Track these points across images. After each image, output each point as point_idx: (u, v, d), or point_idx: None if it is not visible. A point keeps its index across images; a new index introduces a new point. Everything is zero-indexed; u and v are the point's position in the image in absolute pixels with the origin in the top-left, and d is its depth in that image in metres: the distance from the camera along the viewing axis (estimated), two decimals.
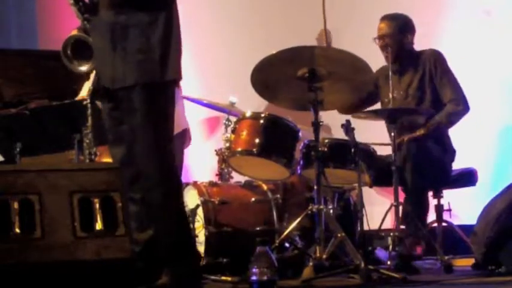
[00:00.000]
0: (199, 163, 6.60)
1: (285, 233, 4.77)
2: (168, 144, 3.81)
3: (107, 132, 3.90)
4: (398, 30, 5.65)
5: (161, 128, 3.79)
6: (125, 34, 3.75)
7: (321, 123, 4.69)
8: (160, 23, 3.77)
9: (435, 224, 5.73)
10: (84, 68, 3.88)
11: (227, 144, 5.27)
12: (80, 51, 3.86)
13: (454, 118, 5.57)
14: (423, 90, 5.57)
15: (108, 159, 5.09)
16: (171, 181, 3.82)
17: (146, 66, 3.74)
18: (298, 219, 4.73)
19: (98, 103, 4.09)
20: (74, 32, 3.94)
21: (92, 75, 3.94)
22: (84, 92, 4.61)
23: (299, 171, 5.07)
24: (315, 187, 4.63)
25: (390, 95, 5.25)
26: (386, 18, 5.73)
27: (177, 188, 3.88)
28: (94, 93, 3.92)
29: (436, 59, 5.63)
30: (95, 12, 3.82)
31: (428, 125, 5.49)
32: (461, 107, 5.58)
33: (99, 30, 3.81)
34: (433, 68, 5.61)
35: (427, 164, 5.33)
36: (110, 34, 3.76)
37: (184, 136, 5.83)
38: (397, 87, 5.58)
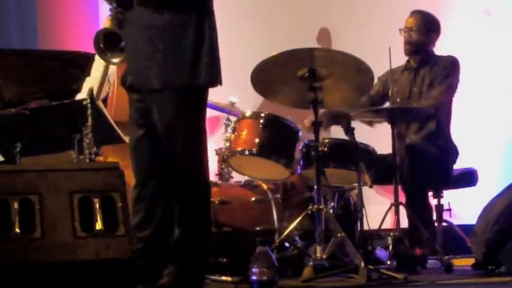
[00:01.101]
0: None
1: (285, 233, 4.77)
2: (199, 147, 3.77)
3: (130, 116, 3.88)
4: (425, 27, 5.68)
5: (190, 133, 3.75)
6: (156, 34, 3.69)
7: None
8: (192, 26, 3.70)
9: (435, 224, 5.73)
10: (117, 60, 3.87)
11: (227, 144, 5.27)
12: (112, 43, 3.83)
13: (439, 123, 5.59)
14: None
15: (112, 159, 5.10)
16: (203, 183, 3.82)
17: (174, 70, 3.69)
18: (298, 219, 4.73)
19: (99, 103, 4.09)
20: (107, 24, 3.91)
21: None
22: (84, 93, 4.60)
23: (299, 171, 5.08)
24: (315, 187, 4.63)
25: (390, 93, 5.27)
26: (417, 12, 5.79)
27: (207, 190, 3.87)
28: (122, 81, 3.90)
29: (452, 66, 5.66)
30: (128, 7, 3.79)
31: (424, 134, 5.53)
32: (432, 106, 5.56)
33: (132, 26, 3.76)
34: (443, 71, 5.63)
35: (424, 166, 5.33)
36: (141, 32, 3.72)
37: None
38: (411, 82, 5.61)
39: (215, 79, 3.79)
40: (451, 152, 5.60)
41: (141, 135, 3.84)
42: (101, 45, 3.84)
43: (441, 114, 5.59)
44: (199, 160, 3.78)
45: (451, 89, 5.63)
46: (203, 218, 3.83)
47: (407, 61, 5.76)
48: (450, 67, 5.65)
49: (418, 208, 5.22)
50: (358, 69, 4.69)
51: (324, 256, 4.48)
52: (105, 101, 5.26)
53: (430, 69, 5.68)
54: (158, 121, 3.76)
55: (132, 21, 3.76)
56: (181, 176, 3.75)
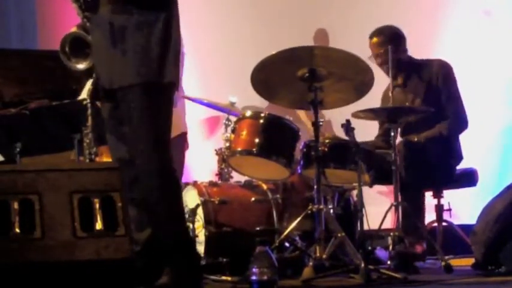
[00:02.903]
0: (199, 163, 6.61)
1: (285, 233, 4.77)
2: (165, 145, 3.80)
3: (108, 131, 3.90)
4: (387, 44, 5.58)
5: (159, 129, 3.77)
6: (123, 34, 3.73)
7: (321, 122, 4.71)
8: (160, 24, 3.75)
9: (435, 224, 5.74)
10: (81, 65, 3.87)
11: (227, 144, 5.27)
12: (78, 48, 3.85)
13: (454, 133, 5.60)
14: (428, 103, 5.54)
15: (108, 159, 5.10)
16: (170, 182, 3.82)
17: (143, 67, 3.72)
18: (298, 219, 4.73)
19: (98, 103, 4.08)
20: (73, 29, 3.93)
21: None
22: (84, 93, 4.61)
23: (299, 171, 5.07)
24: (315, 187, 4.62)
25: (390, 94, 5.26)
26: (375, 34, 5.71)
27: (175, 188, 3.87)
28: (93, 93, 3.92)
29: (445, 73, 5.64)
30: (95, 10, 3.81)
31: (428, 133, 5.52)
32: (463, 124, 5.64)
33: (98, 28, 3.80)
34: (442, 82, 5.62)
35: (422, 165, 5.33)
36: (109, 33, 3.75)
37: (184, 139, 5.83)
38: (402, 99, 5.61)
39: (177, 78, 3.86)
40: (454, 155, 5.60)
41: (122, 155, 3.83)
42: (67, 49, 3.85)
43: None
44: (166, 156, 3.77)
45: (459, 98, 5.63)
46: (173, 218, 3.81)
47: (394, 78, 5.69)
48: (447, 78, 5.62)
49: (411, 205, 5.22)
50: (357, 67, 4.69)
51: (324, 256, 4.48)
52: None
53: (419, 79, 5.65)
54: (126, 117, 3.77)
55: (100, 23, 3.79)
56: (148, 173, 3.75)
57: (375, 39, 5.70)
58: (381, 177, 5.09)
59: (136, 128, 3.74)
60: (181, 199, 3.91)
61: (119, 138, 3.85)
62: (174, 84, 3.86)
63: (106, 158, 5.20)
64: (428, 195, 5.62)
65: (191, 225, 4.88)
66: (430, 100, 5.57)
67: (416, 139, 5.52)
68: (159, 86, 3.76)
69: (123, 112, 3.78)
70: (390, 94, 5.24)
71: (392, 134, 5.05)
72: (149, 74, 3.73)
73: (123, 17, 3.75)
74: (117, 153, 3.87)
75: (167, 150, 3.80)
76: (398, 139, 5.50)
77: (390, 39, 5.62)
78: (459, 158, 5.64)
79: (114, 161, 3.88)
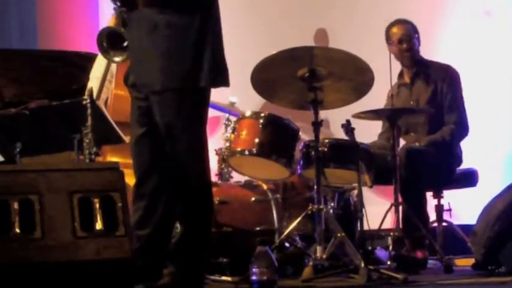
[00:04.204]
0: None
1: (285, 233, 4.77)
2: (201, 148, 3.78)
3: (131, 114, 3.89)
4: (414, 34, 5.66)
5: (194, 133, 3.76)
6: (158, 35, 3.70)
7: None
8: (195, 27, 3.70)
9: (435, 224, 5.73)
10: (119, 58, 3.88)
11: (227, 144, 5.27)
12: (115, 41, 3.84)
13: (456, 139, 5.61)
14: (432, 105, 5.55)
15: (111, 159, 5.10)
16: (205, 183, 3.82)
17: (176, 71, 3.69)
18: (298, 219, 4.73)
19: (99, 103, 4.08)
20: (110, 23, 3.92)
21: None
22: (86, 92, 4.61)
23: (299, 171, 5.07)
24: (315, 187, 4.63)
25: (390, 94, 5.27)
26: (400, 22, 5.75)
27: (209, 190, 3.87)
28: (124, 79, 3.91)
29: (452, 79, 5.66)
30: (132, 7, 3.79)
31: (430, 138, 5.52)
32: (465, 131, 5.66)
33: (135, 25, 3.76)
34: (447, 88, 5.63)
35: (422, 171, 5.33)
36: (145, 33, 3.72)
37: None
38: (407, 99, 5.61)
39: (217, 80, 3.79)
40: (455, 159, 5.60)
41: (141, 134, 3.84)
42: (104, 44, 3.85)
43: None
44: (201, 161, 3.78)
45: (463, 106, 5.65)
46: (205, 218, 3.83)
47: (400, 76, 5.72)
48: (453, 84, 5.63)
49: (414, 207, 5.22)
50: (357, 68, 4.70)
51: (324, 256, 4.48)
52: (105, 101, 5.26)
53: (426, 80, 5.66)
54: (160, 121, 3.76)
55: (136, 20, 3.76)
56: (184, 176, 3.76)
57: (401, 25, 5.71)
58: (381, 177, 5.09)
59: (169, 132, 3.72)
60: (212, 200, 3.92)
61: (139, 122, 3.84)
62: (209, 88, 3.80)
63: (109, 158, 5.20)
64: (429, 195, 5.61)
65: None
66: (434, 103, 5.58)
67: (418, 144, 5.51)
68: (192, 91, 3.72)
69: (154, 115, 3.76)
70: (394, 92, 5.25)
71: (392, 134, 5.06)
72: (181, 78, 3.69)
73: (160, 17, 3.70)
74: (139, 146, 3.85)
75: (205, 155, 3.78)
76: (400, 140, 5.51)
77: (415, 30, 5.69)
78: (459, 161, 5.65)
79: (132, 141, 3.86)
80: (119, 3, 3.79)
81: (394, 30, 5.71)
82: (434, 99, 5.61)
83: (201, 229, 3.81)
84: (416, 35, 5.69)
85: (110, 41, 3.84)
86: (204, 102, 3.81)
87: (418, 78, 5.71)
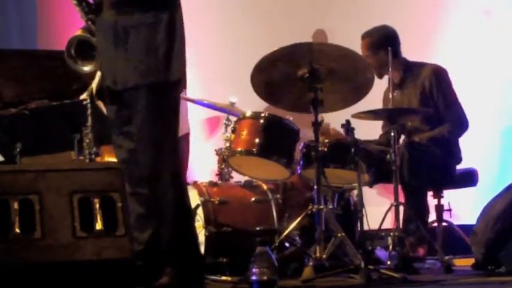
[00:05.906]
0: (199, 163, 6.60)
1: (285, 233, 4.77)
2: (174, 144, 3.80)
3: (113, 129, 3.90)
4: (377, 46, 5.60)
5: (167, 128, 3.78)
6: (127, 35, 3.74)
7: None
8: (163, 24, 3.76)
9: (435, 224, 5.73)
10: (88, 68, 3.89)
11: (227, 144, 5.27)
12: (84, 51, 3.86)
13: (456, 135, 5.61)
14: (424, 106, 5.56)
15: (109, 159, 5.10)
16: (177, 181, 3.82)
17: (148, 67, 3.73)
18: (298, 219, 4.73)
19: (99, 103, 4.09)
20: (78, 32, 3.94)
21: (98, 75, 3.95)
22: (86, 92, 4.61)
23: (299, 171, 5.07)
24: (315, 187, 4.62)
25: (390, 95, 5.26)
26: (362, 37, 5.71)
27: (182, 188, 3.87)
28: (99, 93, 3.93)
29: (437, 79, 5.62)
30: (98, 12, 3.82)
31: (429, 135, 5.52)
32: (464, 126, 5.65)
33: (103, 30, 3.81)
34: (435, 88, 5.60)
35: (424, 165, 5.33)
36: (113, 35, 3.76)
37: (187, 140, 5.83)
38: (399, 102, 5.61)
39: (184, 75, 3.92)
40: (454, 156, 5.60)
41: (128, 153, 3.83)
42: (72, 52, 3.86)
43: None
44: (173, 155, 3.79)
45: (456, 101, 5.63)
46: (178, 213, 3.82)
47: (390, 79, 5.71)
48: (440, 83, 5.61)
49: (416, 206, 5.21)
50: (357, 66, 4.69)
51: (324, 256, 4.48)
52: None
53: (414, 83, 5.65)
54: (132, 117, 3.77)
55: (103, 26, 3.80)
56: (156, 172, 3.75)
57: (362, 41, 5.69)
58: (381, 177, 5.09)
59: (144, 127, 3.74)
60: (188, 199, 3.91)
61: (124, 137, 3.85)
62: (181, 81, 3.87)
63: (107, 158, 5.20)
64: (429, 195, 5.61)
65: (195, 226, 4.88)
66: (424, 104, 5.57)
67: (417, 139, 5.52)
68: (165, 85, 3.77)
69: (129, 113, 3.78)
70: (390, 96, 5.24)
71: (392, 134, 5.05)
72: (154, 74, 3.74)
73: (127, 18, 3.75)
74: (121, 151, 3.87)
75: (176, 148, 3.81)
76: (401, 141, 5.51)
77: (378, 42, 5.62)
78: (458, 160, 5.65)
79: (119, 160, 3.88)
80: (86, 10, 3.82)
81: (360, 45, 5.70)
82: (423, 101, 5.60)
83: (176, 226, 3.79)
84: (380, 47, 5.57)
85: (79, 50, 3.86)
86: (175, 97, 3.86)
87: (406, 81, 5.69)
